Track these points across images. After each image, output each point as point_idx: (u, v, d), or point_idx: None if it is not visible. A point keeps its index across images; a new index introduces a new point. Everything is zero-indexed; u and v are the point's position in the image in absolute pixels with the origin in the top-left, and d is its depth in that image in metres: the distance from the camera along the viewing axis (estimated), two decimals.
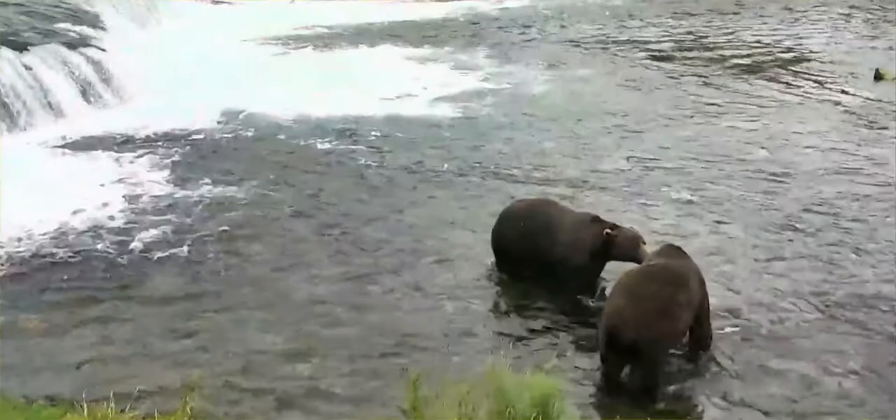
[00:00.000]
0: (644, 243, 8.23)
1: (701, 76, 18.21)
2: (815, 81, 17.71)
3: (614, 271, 8.47)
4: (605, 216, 8.85)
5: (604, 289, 8.62)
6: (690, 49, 21.04)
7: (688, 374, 7.43)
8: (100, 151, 12.96)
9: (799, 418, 6.87)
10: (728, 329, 7.97)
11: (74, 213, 10.48)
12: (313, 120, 14.69)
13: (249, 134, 14.01)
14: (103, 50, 16.17)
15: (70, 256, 9.47)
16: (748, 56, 20.28)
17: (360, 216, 10.69)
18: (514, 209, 9.32)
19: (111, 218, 10.47)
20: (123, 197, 11.13)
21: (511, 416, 5.52)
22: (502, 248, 9.12)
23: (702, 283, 7.54)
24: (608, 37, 22.40)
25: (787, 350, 7.73)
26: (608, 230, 8.30)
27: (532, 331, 8.10)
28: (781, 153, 13.08)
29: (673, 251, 7.63)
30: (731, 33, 23.08)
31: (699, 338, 7.58)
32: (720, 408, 6.98)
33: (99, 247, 9.71)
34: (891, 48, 20.55)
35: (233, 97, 15.56)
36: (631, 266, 7.97)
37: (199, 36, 20.81)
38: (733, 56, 20.24)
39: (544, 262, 8.68)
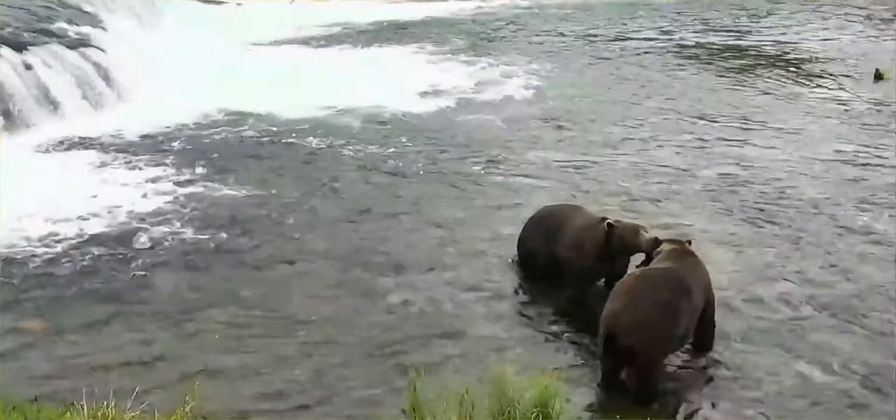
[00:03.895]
0: (646, 231, 8.16)
1: (699, 76, 18.24)
2: (815, 81, 17.73)
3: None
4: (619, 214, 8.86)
5: (604, 290, 8.63)
6: (689, 49, 21.04)
7: (688, 374, 7.43)
8: (99, 151, 12.95)
9: (799, 418, 6.88)
10: (728, 329, 7.96)
11: (74, 213, 10.47)
12: (314, 119, 14.68)
13: (250, 134, 14.02)
14: (103, 50, 16.16)
15: (70, 256, 9.47)
16: (746, 56, 20.30)
17: (360, 216, 10.69)
18: (536, 213, 9.35)
19: (111, 217, 10.46)
20: (123, 196, 11.11)
21: (511, 416, 5.53)
22: (523, 252, 9.17)
23: (707, 285, 7.53)
24: (608, 36, 22.40)
25: (787, 350, 7.73)
26: (609, 222, 8.27)
27: (533, 331, 8.11)
28: (781, 153, 13.08)
29: (680, 253, 7.57)
30: (730, 33, 23.11)
31: (702, 339, 7.58)
32: (720, 408, 6.98)
33: (99, 246, 9.71)
34: (891, 48, 20.59)
35: (232, 97, 15.57)
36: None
37: (199, 36, 20.80)
38: (732, 56, 20.27)
39: (556, 264, 8.69)
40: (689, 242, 7.87)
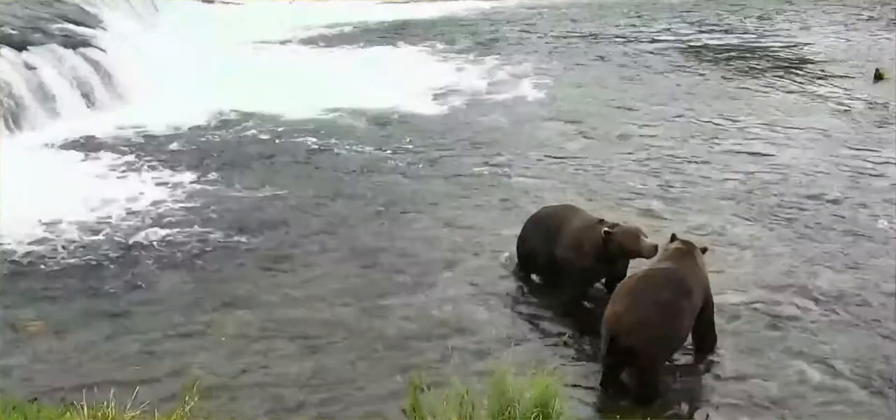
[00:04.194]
0: (646, 236, 8.14)
1: (700, 76, 18.22)
2: (815, 81, 17.71)
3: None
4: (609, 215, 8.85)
5: (604, 291, 8.62)
6: (697, 50, 21.03)
7: (688, 374, 7.43)
8: (99, 152, 12.96)
9: (798, 418, 6.87)
10: (730, 329, 7.96)
11: (74, 213, 10.47)
12: (317, 120, 14.68)
13: (249, 134, 14.02)
14: (103, 50, 16.16)
15: (70, 256, 9.48)
16: (747, 56, 20.30)
17: (361, 216, 10.69)
18: (536, 214, 9.35)
19: (111, 218, 10.47)
20: (123, 197, 11.12)
21: (511, 416, 5.52)
22: (522, 252, 9.17)
23: (706, 286, 7.52)
24: (619, 37, 22.39)
25: (787, 349, 7.72)
26: (607, 228, 8.24)
27: (533, 331, 8.10)
28: (781, 153, 13.07)
29: (680, 254, 7.55)
30: (730, 33, 23.10)
31: (702, 341, 7.57)
32: (720, 408, 6.97)
33: (99, 247, 9.71)
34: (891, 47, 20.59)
35: (232, 97, 15.56)
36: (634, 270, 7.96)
37: (198, 36, 20.81)
38: (733, 56, 20.26)
39: (556, 265, 8.68)
40: (705, 250, 7.80)
